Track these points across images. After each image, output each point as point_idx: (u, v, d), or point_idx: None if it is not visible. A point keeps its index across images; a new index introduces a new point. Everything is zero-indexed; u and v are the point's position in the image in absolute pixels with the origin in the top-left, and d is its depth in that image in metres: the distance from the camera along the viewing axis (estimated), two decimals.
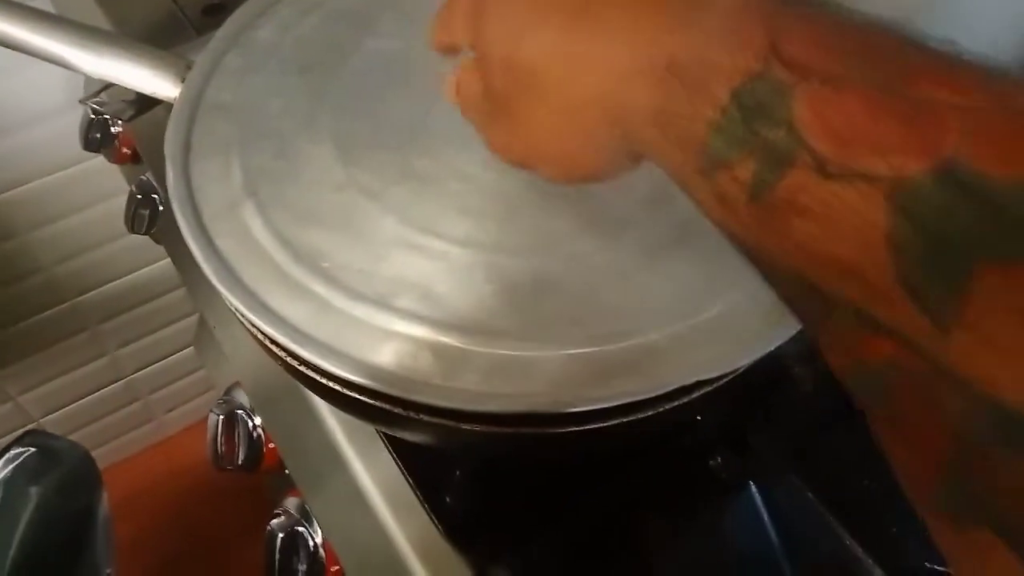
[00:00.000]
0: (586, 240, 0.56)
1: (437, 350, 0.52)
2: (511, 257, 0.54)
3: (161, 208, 1.36)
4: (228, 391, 1.21)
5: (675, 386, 0.49)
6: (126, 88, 0.89)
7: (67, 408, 2.16)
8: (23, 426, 2.05)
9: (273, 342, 0.60)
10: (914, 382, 0.21)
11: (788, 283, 0.26)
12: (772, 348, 0.50)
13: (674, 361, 0.49)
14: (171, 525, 2.33)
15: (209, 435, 1.23)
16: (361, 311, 0.54)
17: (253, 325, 0.61)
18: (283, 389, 0.98)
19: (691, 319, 0.51)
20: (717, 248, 0.32)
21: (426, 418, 0.55)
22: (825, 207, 0.22)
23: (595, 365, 0.50)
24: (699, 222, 0.32)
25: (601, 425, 0.49)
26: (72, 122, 1.55)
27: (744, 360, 0.50)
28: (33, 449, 1.02)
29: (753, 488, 0.80)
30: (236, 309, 0.62)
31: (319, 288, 0.56)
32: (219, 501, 2.17)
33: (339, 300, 0.55)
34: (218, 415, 1.23)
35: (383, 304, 0.54)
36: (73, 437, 2.37)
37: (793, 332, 0.49)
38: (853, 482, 0.80)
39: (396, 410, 0.56)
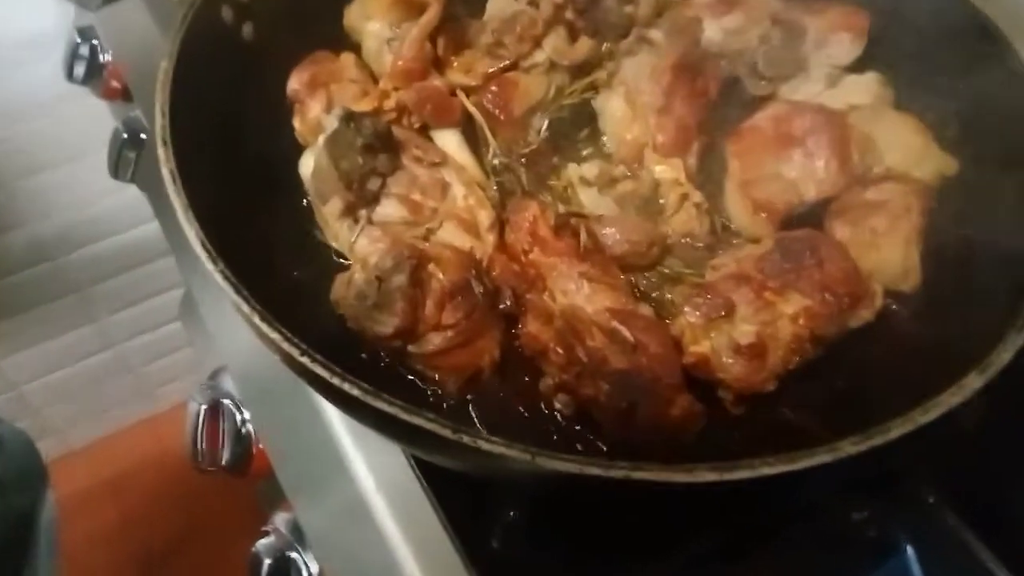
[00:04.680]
0: None
1: None
2: None
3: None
4: (214, 375, 1.01)
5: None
6: None
7: (51, 375, 1.99)
8: (3, 392, 1.89)
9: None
10: None
11: None
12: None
13: None
14: (160, 509, 2.16)
15: (188, 427, 1.03)
16: None
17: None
18: (277, 378, 0.79)
19: None
20: None
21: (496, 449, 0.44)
22: None
23: None
24: None
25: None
26: (59, 56, 1.34)
27: None
28: None
29: (908, 549, 0.60)
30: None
31: None
32: (213, 484, 2.01)
33: None
34: (200, 404, 1.03)
35: None
36: (57, 407, 2.22)
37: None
38: None
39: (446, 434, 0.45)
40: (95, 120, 1.46)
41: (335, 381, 0.51)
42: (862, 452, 0.50)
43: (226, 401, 0.99)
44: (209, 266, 0.55)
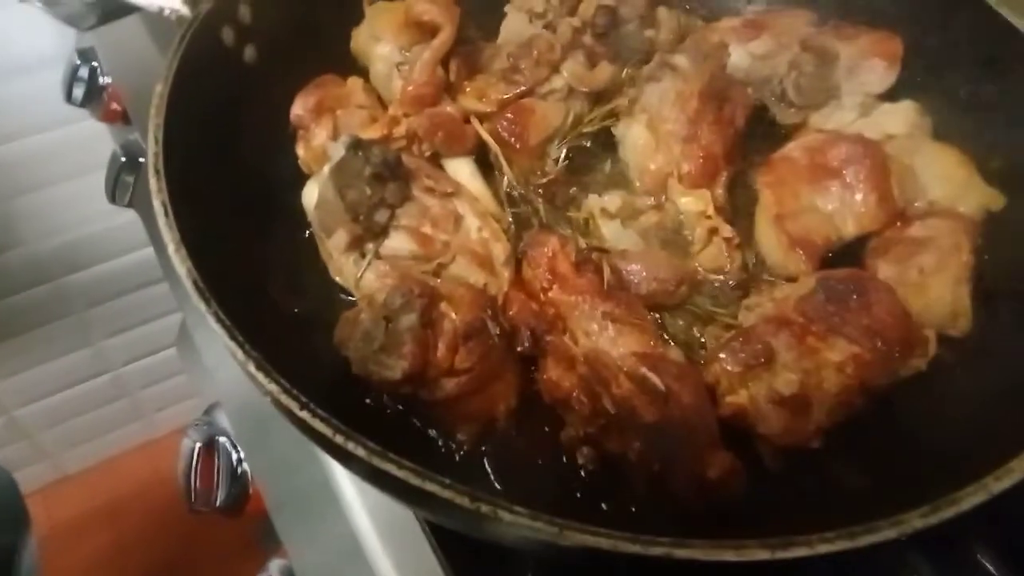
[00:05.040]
0: None
1: None
2: None
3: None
4: (209, 410, 0.96)
5: None
6: None
7: (47, 399, 1.94)
8: None
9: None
10: None
11: None
12: None
13: None
14: (157, 535, 2.10)
15: (182, 465, 0.97)
16: None
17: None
18: (273, 416, 0.73)
19: None
20: None
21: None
22: None
23: None
24: None
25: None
26: (58, 77, 1.31)
27: None
28: None
29: None
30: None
31: None
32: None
33: None
34: (195, 441, 0.98)
35: None
36: (52, 432, 2.17)
37: None
38: None
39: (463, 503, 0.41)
40: (96, 141, 1.43)
41: (338, 440, 0.46)
42: (931, 526, 0.44)
43: (222, 439, 0.93)
44: (202, 307, 0.50)
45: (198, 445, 0.99)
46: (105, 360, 1.98)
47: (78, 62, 1.24)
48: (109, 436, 2.17)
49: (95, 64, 1.23)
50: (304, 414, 0.46)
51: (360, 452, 0.45)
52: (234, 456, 0.94)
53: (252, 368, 0.48)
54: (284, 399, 0.47)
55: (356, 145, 0.64)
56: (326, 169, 0.64)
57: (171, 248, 0.53)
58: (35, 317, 1.76)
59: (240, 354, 0.48)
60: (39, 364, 1.87)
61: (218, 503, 0.96)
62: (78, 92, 1.26)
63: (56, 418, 2.01)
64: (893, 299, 0.61)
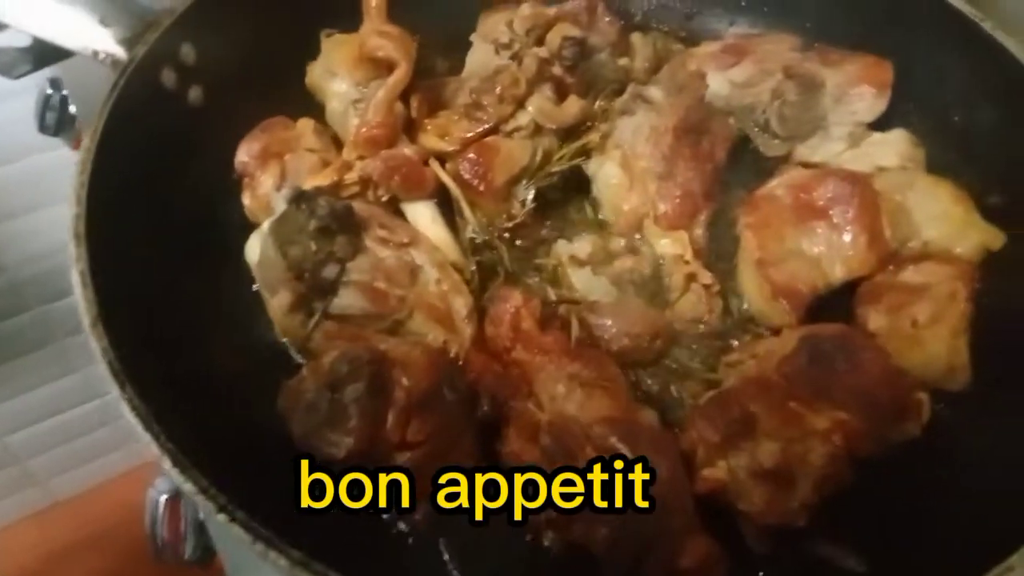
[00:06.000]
0: None
1: None
2: None
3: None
4: None
5: None
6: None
7: (35, 426, 1.93)
8: None
9: None
10: None
11: None
12: None
13: None
14: (147, 563, 2.07)
15: (147, 519, 0.94)
16: None
17: None
18: None
19: None
20: None
21: None
22: None
23: None
24: None
25: None
26: (31, 105, 1.28)
27: None
28: None
29: None
30: None
31: None
32: None
33: None
34: (160, 492, 0.94)
35: None
36: (40, 458, 2.15)
37: None
38: None
39: None
40: (72, 169, 1.39)
41: (258, 547, 0.41)
42: None
43: None
44: (115, 391, 0.46)
45: (163, 497, 0.94)
46: (92, 387, 1.96)
47: (50, 91, 1.22)
48: (98, 463, 2.15)
49: (65, 93, 1.20)
50: (221, 517, 0.42)
51: (282, 562, 0.40)
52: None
53: (168, 464, 0.43)
54: (200, 500, 0.42)
55: (299, 198, 0.59)
56: (265, 226, 0.59)
57: (86, 322, 0.48)
58: (18, 345, 1.74)
59: (155, 447, 0.44)
60: (27, 391, 1.85)
61: (186, 556, 0.91)
62: (51, 120, 1.23)
63: (46, 444, 1.99)
64: (883, 359, 0.56)
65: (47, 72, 1.25)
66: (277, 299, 0.60)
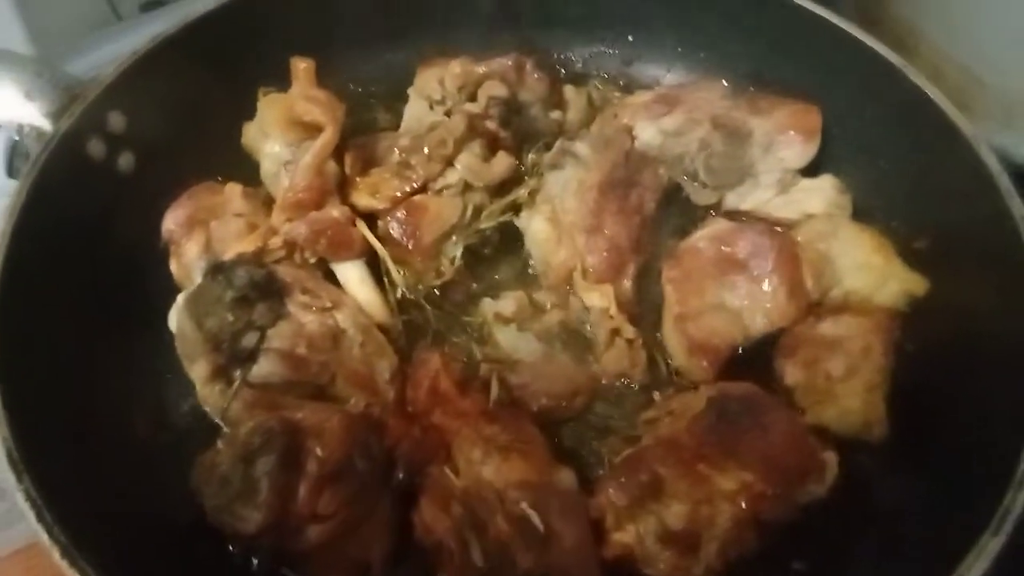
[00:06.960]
0: None
1: None
2: None
3: None
4: None
5: None
6: None
7: None
8: None
9: None
10: None
11: None
12: None
13: None
14: None
15: None
16: None
17: None
18: None
19: None
20: None
21: None
22: None
23: None
24: None
25: None
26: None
27: None
28: None
29: None
30: None
31: None
32: None
33: None
34: None
35: None
36: None
37: None
38: None
39: None
40: None
41: None
42: None
43: None
44: (11, 480, 0.46)
45: None
46: None
47: (17, 137, 1.22)
48: None
49: None
50: None
51: None
52: None
53: (57, 556, 0.43)
54: None
55: (216, 269, 0.60)
56: (180, 299, 0.60)
57: None
58: None
59: (46, 539, 0.44)
60: None
61: None
62: (19, 165, 1.23)
63: None
64: (789, 420, 0.56)
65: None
66: (195, 370, 0.60)
